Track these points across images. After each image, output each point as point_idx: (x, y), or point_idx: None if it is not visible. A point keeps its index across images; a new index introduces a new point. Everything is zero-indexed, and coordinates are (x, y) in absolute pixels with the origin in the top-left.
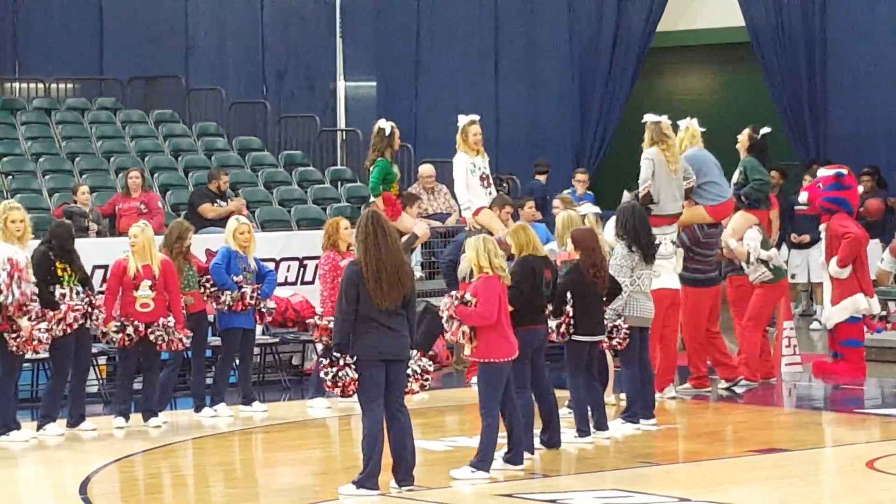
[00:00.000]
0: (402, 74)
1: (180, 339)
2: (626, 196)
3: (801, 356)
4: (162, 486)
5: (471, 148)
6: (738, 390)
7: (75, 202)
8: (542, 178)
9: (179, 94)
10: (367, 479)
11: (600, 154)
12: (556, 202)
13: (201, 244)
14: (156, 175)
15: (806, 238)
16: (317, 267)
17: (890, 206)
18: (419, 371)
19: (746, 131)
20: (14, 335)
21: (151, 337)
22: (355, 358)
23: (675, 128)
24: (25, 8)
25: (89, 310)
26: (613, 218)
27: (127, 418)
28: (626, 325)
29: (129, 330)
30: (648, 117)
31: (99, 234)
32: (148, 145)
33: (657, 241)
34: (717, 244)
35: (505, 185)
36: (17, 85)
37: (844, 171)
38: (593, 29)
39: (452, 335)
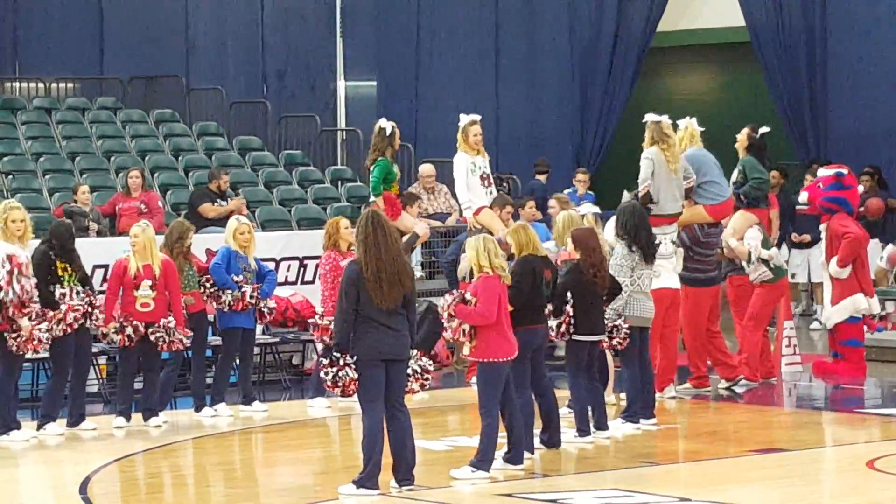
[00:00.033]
0: (402, 74)
1: (181, 340)
2: (626, 196)
3: (802, 356)
4: (162, 486)
5: (471, 147)
6: (739, 390)
7: (75, 202)
8: (542, 177)
9: (180, 93)
10: (368, 479)
11: (600, 154)
12: (551, 202)
13: (201, 244)
14: (156, 175)
15: (806, 238)
16: (317, 266)
17: (889, 207)
18: (419, 370)
19: (745, 130)
20: (14, 335)
21: (152, 338)
22: (355, 358)
23: (676, 127)
24: (26, 7)
25: (89, 310)
26: (613, 218)
27: (128, 419)
28: (627, 325)
29: (129, 331)
30: (649, 117)
31: (99, 233)
32: (148, 145)
33: (657, 241)
34: (717, 244)
35: (505, 184)
36: (17, 84)
37: (844, 170)
38: (593, 29)
39: (453, 333)
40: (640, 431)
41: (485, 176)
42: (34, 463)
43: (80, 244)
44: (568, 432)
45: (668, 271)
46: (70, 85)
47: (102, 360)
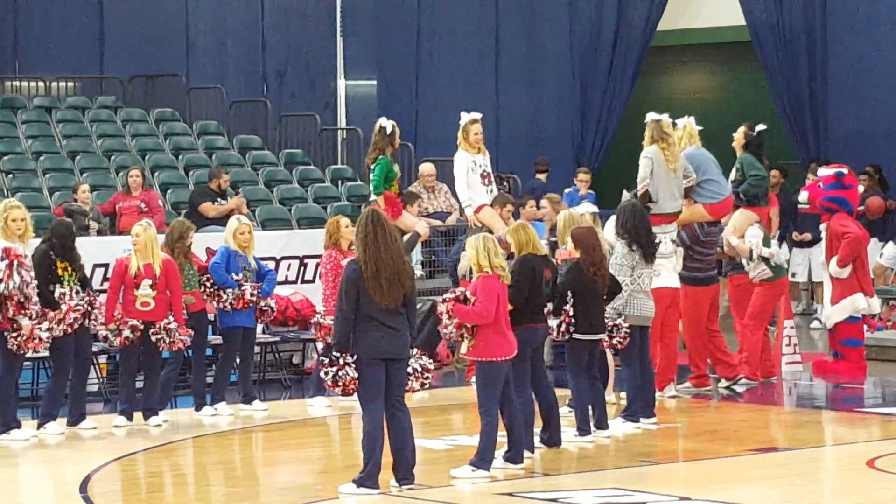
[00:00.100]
0: (402, 73)
1: (181, 340)
2: (626, 196)
3: (802, 355)
4: (162, 485)
5: (472, 146)
6: (739, 389)
7: (76, 201)
8: (542, 176)
9: (180, 92)
10: (368, 478)
11: (601, 153)
12: (543, 202)
13: (202, 243)
14: (156, 174)
15: (807, 236)
16: (317, 266)
17: (889, 207)
18: (419, 369)
19: (742, 129)
20: (15, 334)
21: (153, 339)
22: (355, 357)
23: (675, 126)
24: (26, 7)
25: (89, 309)
26: (614, 217)
27: (130, 418)
28: (627, 324)
29: (127, 332)
30: (650, 116)
31: (99, 232)
32: (148, 144)
33: (657, 240)
34: (717, 243)
35: (505, 183)
36: (17, 83)
37: (845, 170)
38: (594, 28)
39: (454, 328)
40: (641, 430)
41: (485, 174)
42: (34, 462)
43: (81, 243)
44: (568, 431)
45: (668, 270)
46: (70, 84)
47: (103, 359)
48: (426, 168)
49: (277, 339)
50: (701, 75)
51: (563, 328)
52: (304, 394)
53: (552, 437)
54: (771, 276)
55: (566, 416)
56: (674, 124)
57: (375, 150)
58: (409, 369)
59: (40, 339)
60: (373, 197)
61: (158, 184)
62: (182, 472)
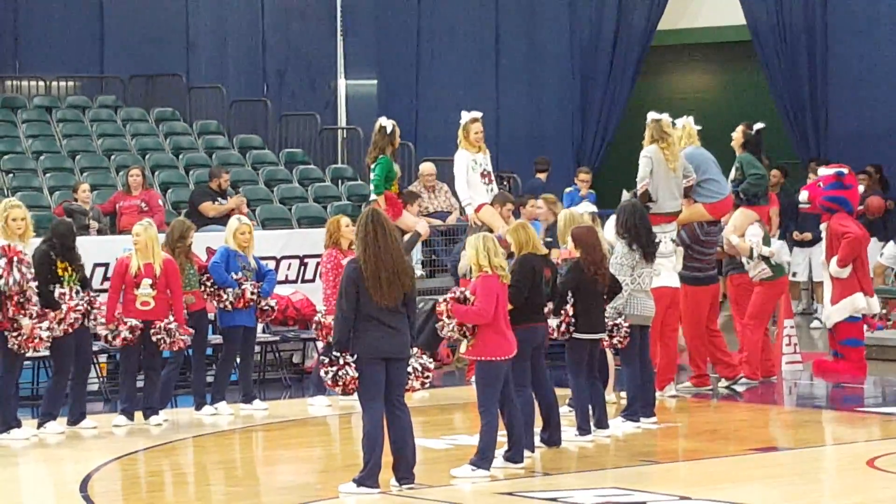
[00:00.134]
0: (402, 73)
1: (182, 339)
2: (625, 195)
3: (802, 354)
4: (163, 484)
5: (472, 145)
6: (739, 388)
7: (76, 200)
8: (542, 176)
9: (180, 92)
10: (368, 478)
11: (601, 153)
12: (538, 202)
13: (202, 242)
14: (156, 173)
15: (808, 236)
16: (317, 265)
17: (888, 207)
18: (420, 368)
19: (740, 128)
20: (15, 333)
21: (154, 338)
22: (355, 356)
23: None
24: (26, 6)
25: (88, 308)
26: (614, 217)
27: (131, 418)
28: (627, 324)
29: (126, 332)
30: (651, 115)
31: (100, 232)
32: (149, 143)
33: (657, 240)
34: (717, 242)
35: (505, 183)
36: (17, 83)
37: (845, 170)
38: (594, 28)
39: (454, 328)
40: (641, 430)
41: (486, 173)
42: (35, 461)
43: (81, 243)
44: (568, 431)
45: (667, 270)
46: (70, 83)
47: (103, 358)
48: (426, 167)
49: (277, 338)
50: (701, 75)
51: (563, 328)
52: (305, 393)
53: (552, 437)
54: (771, 275)
55: (566, 415)
56: (673, 124)
57: (376, 150)
58: (410, 368)
59: (41, 339)
60: (373, 196)
61: (158, 183)
62: (182, 472)
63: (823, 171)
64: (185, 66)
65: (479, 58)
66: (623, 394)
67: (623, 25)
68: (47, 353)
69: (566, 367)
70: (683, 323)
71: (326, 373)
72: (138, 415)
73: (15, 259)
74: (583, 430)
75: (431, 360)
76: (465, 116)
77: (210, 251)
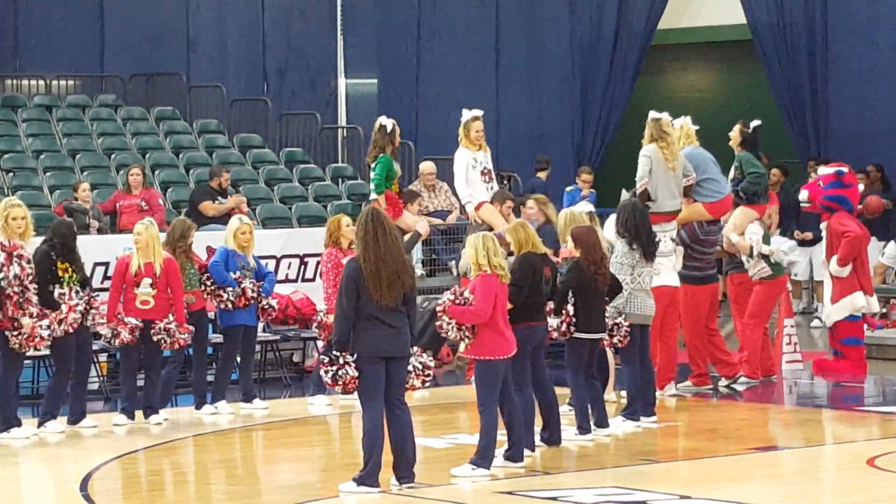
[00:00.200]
0: (402, 72)
1: (182, 338)
2: (625, 195)
3: (802, 354)
4: (163, 483)
5: (473, 143)
6: (739, 388)
7: (76, 199)
8: (542, 175)
9: (180, 91)
10: (368, 477)
11: (601, 153)
12: (529, 202)
13: (202, 241)
14: (157, 172)
15: (808, 235)
16: (318, 264)
17: (886, 207)
18: (420, 367)
19: (737, 127)
20: (16, 333)
21: (154, 338)
22: (355, 355)
23: None
24: (26, 6)
25: (87, 308)
26: (614, 216)
27: (131, 417)
28: (627, 323)
29: (124, 334)
30: (652, 114)
31: (100, 231)
32: (149, 142)
33: (657, 239)
34: (717, 241)
35: (506, 182)
36: (18, 82)
37: (844, 169)
38: (594, 28)
39: (454, 328)
40: (641, 429)
41: (486, 171)
42: (35, 460)
43: (81, 242)
44: (568, 430)
45: (667, 269)
46: (71, 82)
47: (103, 357)
48: (426, 167)
49: (278, 337)
50: (701, 74)
51: (563, 328)
52: (305, 392)
53: (552, 436)
54: (770, 274)
55: (566, 414)
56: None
57: (376, 149)
58: (410, 367)
59: (41, 338)
60: (373, 196)
61: (159, 182)
62: (182, 471)
63: (823, 170)
64: (185, 66)
65: (479, 58)
66: (623, 393)
67: (623, 25)
68: (48, 352)
69: (565, 367)
70: (683, 322)
71: (326, 372)
72: (138, 414)
73: (14, 254)
74: (583, 429)
75: (431, 358)
76: (466, 114)
77: (210, 250)
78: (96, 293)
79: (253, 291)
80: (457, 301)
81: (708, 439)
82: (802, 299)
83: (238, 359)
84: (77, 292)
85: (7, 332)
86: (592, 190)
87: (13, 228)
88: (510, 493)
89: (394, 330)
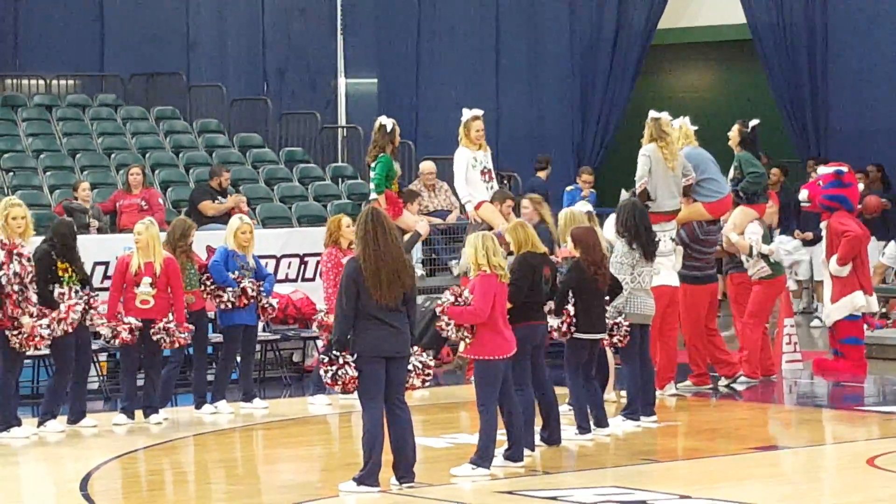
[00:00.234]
0: (402, 72)
1: (182, 337)
2: (624, 195)
3: (802, 353)
4: (163, 483)
5: (473, 142)
6: (739, 387)
7: (76, 199)
8: (542, 174)
9: (180, 90)
10: (368, 476)
11: (601, 152)
12: (524, 202)
13: (202, 241)
14: (157, 172)
15: (809, 235)
16: (317, 264)
17: (884, 206)
18: (420, 366)
19: (736, 126)
20: (16, 332)
21: (154, 338)
22: (355, 355)
23: None
24: (26, 5)
25: (87, 308)
26: (613, 216)
27: (131, 416)
28: (627, 323)
29: (124, 334)
30: (652, 114)
31: (100, 230)
32: (149, 142)
33: (657, 239)
34: (716, 241)
35: (506, 181)
36: (18, 81)
37: (844, 168)
38: (594, 28)
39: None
40: (641, 429)
41: (486, 171)
42: (35, 460)
43: (81, 241)
44: (568, 429)
45: (667, 269)
46: (71, 82)
47: (103, 357)
48: (426, 166)
49: (278, 337)
50: (701, 74)
51: (564, 328)
52: (305, 392)
53: (552, 436)
54: (770, 273)
55: (566, 414)
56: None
57: (376, 149)
58: (410, 366)
59: (41, 337)
60: (373, 195)
61: (159, 182)
62: (182, 470)
63: (823, 169)
64: (185, 65)
65: (479, 57)
66: (623, 392)
67: (623, 25)
68: (47, 351)
69: (565, 366)
70: (683, 322)
71: (326, 372)
72: (138, 413)
73: (14, 252)
74: (583, 428)
75: (431, 357)
76: (467, 114)
77: (210, 250)
78: (96, 293)
79: (253, 291)
80: (457, 301)
81: (708, 439)
82: (802, 299)
83: (238, 358)
84: (76, 292)
85: (7, 332)
86: (593, 190)
87: (13, 228)
88: (510, 492)
89: (394, 330)
